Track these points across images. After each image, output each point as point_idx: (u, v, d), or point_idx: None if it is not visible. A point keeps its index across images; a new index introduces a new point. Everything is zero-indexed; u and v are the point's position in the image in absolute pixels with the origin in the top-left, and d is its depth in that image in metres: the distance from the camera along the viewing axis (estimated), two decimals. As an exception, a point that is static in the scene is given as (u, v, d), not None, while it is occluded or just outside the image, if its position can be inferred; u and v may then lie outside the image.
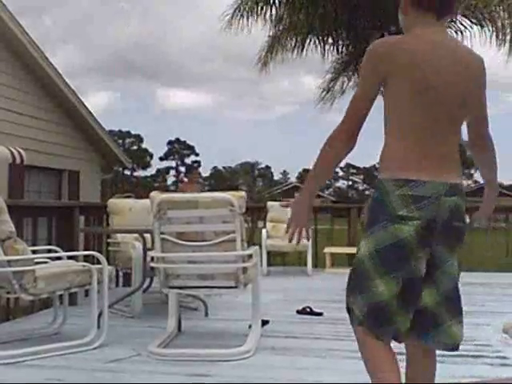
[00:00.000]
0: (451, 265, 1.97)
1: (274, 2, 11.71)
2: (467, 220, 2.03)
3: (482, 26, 11.09)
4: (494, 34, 11.03)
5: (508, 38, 11.06)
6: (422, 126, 1.87)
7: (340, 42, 12.26)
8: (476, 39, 11.19)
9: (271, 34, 12.04)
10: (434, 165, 1.88)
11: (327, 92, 13.16)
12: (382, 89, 1.94)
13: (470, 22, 11.22)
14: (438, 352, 3.72)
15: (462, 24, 11.34)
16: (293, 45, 11.99)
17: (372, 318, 1.91)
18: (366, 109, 1.91)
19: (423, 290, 1.95)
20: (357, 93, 1.93)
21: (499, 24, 10.90)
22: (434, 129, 1.88)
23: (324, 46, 12.24)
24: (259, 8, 11.67)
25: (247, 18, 11.60)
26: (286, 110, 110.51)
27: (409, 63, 1.83)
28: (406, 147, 1.88)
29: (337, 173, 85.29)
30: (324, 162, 1.95)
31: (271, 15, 11.77)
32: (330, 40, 12.23)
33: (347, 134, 1.90)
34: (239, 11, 11.58)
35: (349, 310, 2.00)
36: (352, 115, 1.90)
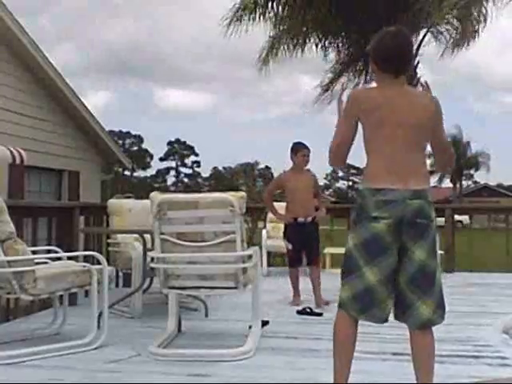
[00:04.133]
0: (414, 253, 2.43)
1: (273, 3, 11.71)
2: (433, 215, 2.52)
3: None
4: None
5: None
6: (385, 151, 2.48)
7: (339, 43, 12.26)
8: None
9: (271, 34, 12.04)
10: (399, 176, 2.43)
11: (327, 92, 13.13)
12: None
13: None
14: (437, 352, 3.73)
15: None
16: (293, 45, 11.98)
17: (361, 303, 2.43)
18: (351, 140, 2.54)
19: (398, 276, 2.47)
20: (339, 128, 2.56)
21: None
22: (395, 151, 2.47)
23: (324, 46, 12.25)
24: (259, 9, 11.66)
25: (248, 19, 11.59)
26: (285, 110, 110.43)
27: (371, 106, 2.48)
28: (377, 165, 2.50)
29: (337, 173, 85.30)
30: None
31: (271, 16, 11.77)
32: (330, 40, 12.24)
33: (345, 154, 2.59)
34: (239, 12, 11.57)
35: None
36: (338, 145, 2.56)
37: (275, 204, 5.73)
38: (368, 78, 12.61)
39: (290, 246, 5.37)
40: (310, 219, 5.34)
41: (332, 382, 3.12)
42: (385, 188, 2.42)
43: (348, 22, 11.46)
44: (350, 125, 2.53)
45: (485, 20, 11.39)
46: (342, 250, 8.38)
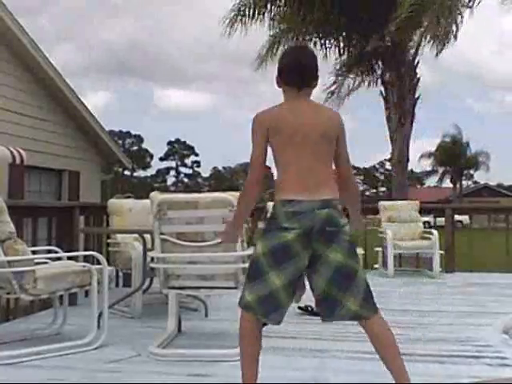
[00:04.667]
0: (328, 256, 2.52)
1: (272, 3, 11.70)
2: (343, 222, 2.57)
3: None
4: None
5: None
6: (294, 163, 2.56)
7: (341, 43, 12.25)
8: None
9: (272, 33, 12.04)
10: (307, 187, 2.53)
11: (332, 94, 13.09)
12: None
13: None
14: (437, 352, 3.74)
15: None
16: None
17: (264, 306, 2.52)
18: (262, 161, 2.58)
19: (313, 281, 2.58)
20: (253, 153, 2.58)
21: None
22: (304, 162, 2.55)
23: (325, 46, 12.25)
24: (260, 9, 11.65)
25: (248, 19, 11.59)
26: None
27: (277, 125, 2.56)
28: (287, 177, 2.57)
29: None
30: (245, 205, 2.68)
31: (272, 16, 11.76)
32: (331, 40, 12.23)
33: (257, 184, 2.60)
34: (239, 12, 11.56)
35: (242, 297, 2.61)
36: (255, 170, 2.58)
37: None
38: (371, 78, 12.60)
39: None
40: None
41: (332, 381, 3.14)
42: (294, 199, 2.51)
43: (350, 21, 11.45)
44: (262, 145, 2.59)
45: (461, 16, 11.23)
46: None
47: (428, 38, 11.45)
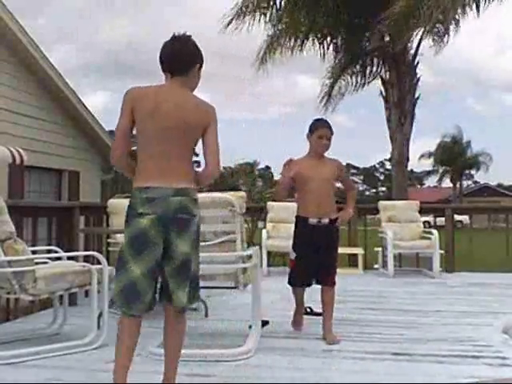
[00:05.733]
0: (177, 246, 2.64)
1: (274, 2, 11.70)
2: (196, 211, 2.68)
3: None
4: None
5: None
6: (153, 148, 2.66)
7: (339, 43, 12.25)
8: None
9: (270, 33, 12.03)
10: (164, 175, 2.63)
11: (328, 95, 13.06)
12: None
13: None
14: (437, 352, 3.74)
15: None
16: (292, 45, 11.96)
17: (125, 297, 2.60)
18: (126, 132, 2.70)
19: (164, 266, 2.66)
20: (118, 124, 2.69)
21: None
22: (162, 150, 2.65)
23: (323, 46, 12.23)
24: (259, 9, 11.65)
25: (247, 19, 11.58)
26: (285, 110, 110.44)
27: (141, 102, 2.66)
28: (146, 164, 2.67)
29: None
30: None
31: (271, 15, 11.76)
32: (329, 40, 12.22)
33: (120, 153, 2.72)
34: (239, 12, 11.55)
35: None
36: (117, 139, 2.71)
37: (283, 203, 5.30)
38: (371, 78, 12.59)
39: (293, 256, 4.14)
40: (326, 221, 4.03)
41: (332, 381, 3.14)
42: (150, 186, 2.61)
43: (349, 20, 11.44)
44: (127, 118, 2.68)
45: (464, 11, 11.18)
46: (341, 250, 8.28)
47: (427, 36, 11.43)
